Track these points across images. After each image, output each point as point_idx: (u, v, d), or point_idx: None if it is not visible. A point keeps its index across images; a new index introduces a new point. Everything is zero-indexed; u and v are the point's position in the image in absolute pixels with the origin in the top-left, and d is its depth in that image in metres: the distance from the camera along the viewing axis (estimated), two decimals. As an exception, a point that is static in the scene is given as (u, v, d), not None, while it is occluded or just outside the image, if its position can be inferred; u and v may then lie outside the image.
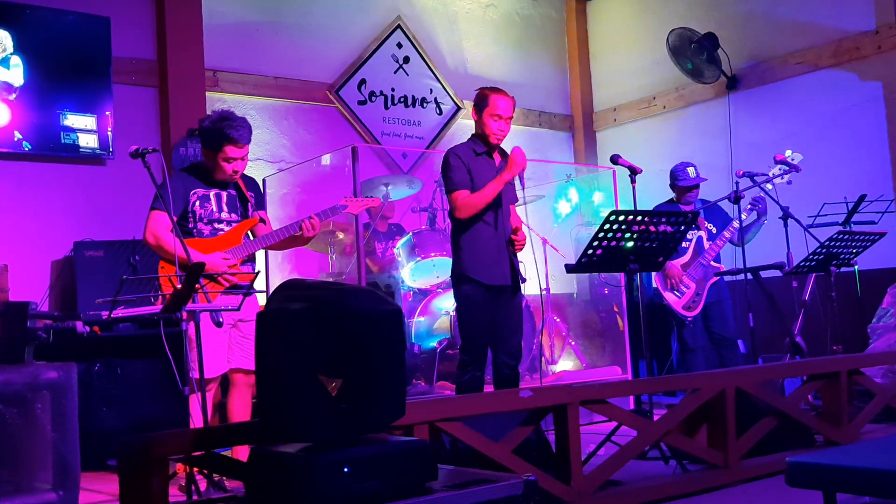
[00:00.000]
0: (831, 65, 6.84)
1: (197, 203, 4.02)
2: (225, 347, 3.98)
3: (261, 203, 4.31)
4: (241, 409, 4.04)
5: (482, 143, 4.37)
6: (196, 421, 3.71)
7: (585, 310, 7.66)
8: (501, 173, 4.24)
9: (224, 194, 4.11)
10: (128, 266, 5.37)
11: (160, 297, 3.63)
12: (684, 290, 5.59)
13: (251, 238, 4.16)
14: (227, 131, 3.94)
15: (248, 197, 4.17)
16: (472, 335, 4.26)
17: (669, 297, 5.61)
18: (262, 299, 5.59)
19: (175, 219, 3.74)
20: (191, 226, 4.01)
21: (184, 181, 4.03)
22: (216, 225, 4.06)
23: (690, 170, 5.70)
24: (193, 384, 3.75)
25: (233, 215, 4.12)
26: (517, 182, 4.34)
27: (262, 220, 4.23)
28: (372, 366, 2.39)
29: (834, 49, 6.81)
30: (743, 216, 5.42)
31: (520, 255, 4.46)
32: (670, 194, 5.88)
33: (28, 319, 3.81)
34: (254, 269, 4.13)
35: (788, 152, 5.41)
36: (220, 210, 4.08)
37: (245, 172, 4.17)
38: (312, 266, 6.73)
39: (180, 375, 3.49)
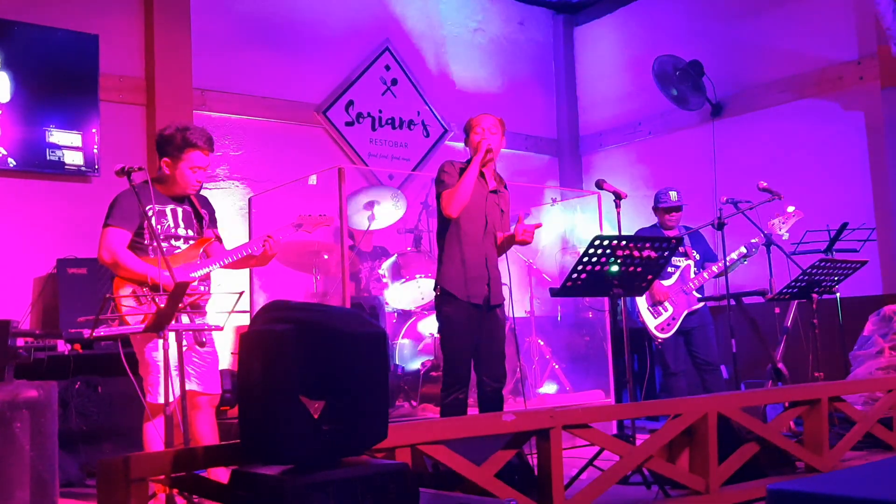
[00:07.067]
0: (814, 94, 6.92)
1: (153, 219, 3.80)
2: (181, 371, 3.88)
3: (214, 221, 4.15)
4: (208, 430, 3.90)
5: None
6: (152, 449, 3.64)
7: (569, 333, 7.67)
8: (473, 157, 4.30)
9: (180, 210, 3.96)
10: (111, 284, 5.33)
11: (117, 318, 3.52)
12: (662, 311, 5.63)
13: (207, 257, 3.98)
14: (191, 138, 3.84)
15: (202, 214, 4.04)
16: (454, 356, 4.24)
17: (646, 315, 5.63)
18: (245, 319, 5.59)
19: (132, 235, 3.73)
20: (146, 242, 3.80)
21: (138, 196, 3.70)
22: (172, 242, 3.90)
23: (672, 193, 5.77)
24: (148, 412, 3.69)
25: (189, 232, 3.96)
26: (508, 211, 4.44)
27: (219, 239, 4.09)
28: (355, 388, 2.39)
29: (817, 79, 6.89)
30: (734, 255, 5.46)
31: (503, 279, 4.45)
32: (655, 219, 5.91)
33: (9, 337, 3.78)
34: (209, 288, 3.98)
35: (791, 208, 5.47)
36: (177, 226, 3.92)
37: (209, 190, 4.06)
38: (297, 287, 6.71)
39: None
